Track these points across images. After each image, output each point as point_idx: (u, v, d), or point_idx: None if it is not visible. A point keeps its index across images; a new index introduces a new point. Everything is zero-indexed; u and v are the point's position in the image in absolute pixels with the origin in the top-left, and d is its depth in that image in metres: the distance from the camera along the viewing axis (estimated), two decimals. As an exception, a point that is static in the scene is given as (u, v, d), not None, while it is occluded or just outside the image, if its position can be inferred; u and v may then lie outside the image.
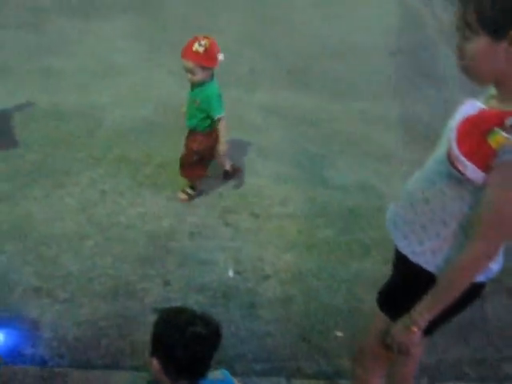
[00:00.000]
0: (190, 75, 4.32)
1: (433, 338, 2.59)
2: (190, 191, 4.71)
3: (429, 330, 2.39)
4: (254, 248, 4.29)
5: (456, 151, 2.13)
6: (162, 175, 4.91)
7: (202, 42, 4.19)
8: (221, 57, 4.28)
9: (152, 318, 2.42)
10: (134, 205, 4.59)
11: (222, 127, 4.40)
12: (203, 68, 4.25)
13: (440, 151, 2.29)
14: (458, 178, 2.17)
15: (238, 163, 5.09)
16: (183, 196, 4.69)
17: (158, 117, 5.69)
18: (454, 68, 2.16)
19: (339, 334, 3.69)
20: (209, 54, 4.22)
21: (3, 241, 4.19)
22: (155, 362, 2.34)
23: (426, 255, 2.37)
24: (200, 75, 4.28)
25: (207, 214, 4.57)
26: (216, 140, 4.45)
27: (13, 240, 4.19)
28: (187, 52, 4.23)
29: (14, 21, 7.46)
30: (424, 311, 2.29)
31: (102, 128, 5.44)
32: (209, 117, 4.41)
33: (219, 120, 4.38)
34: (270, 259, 4.20)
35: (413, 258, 2.39)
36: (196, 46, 4.18)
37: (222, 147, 4.46)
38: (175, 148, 4.88)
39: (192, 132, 4.55)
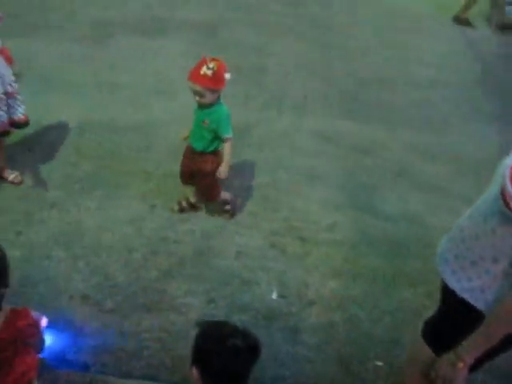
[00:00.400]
0: (198, 97, 4.25)
1: (477, 374, 2.57)
2: (227, 207, 4.75)
3: (474, 367, 2.38)
4: (299, 272, 4.30)
5: (510, 189, 2.12)
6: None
7: (211, 65, 4.12)
8: (228, 76, 4.22)
9: (194, 333, 2.46)
10: (183, 221, 4.64)
11: (228, 147, 4.35)
12: (212, 91, 4.19)
13: (493, 188, 2.28)
14: (510, 217, 2.16)
15: (289, 187, 5.13)
16: (227, 215, 4.75)
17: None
18: (509, 105, 2.16)
19: (379, 363, 3.68)
20: (217, 77, 4.15)
21: (53, 246, 4.30)
22: (194, 371, 2.40)
23: (475, 292, 2.35)
24: (209, 97, 4.22)
25: (255, 234, 4.60)
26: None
27: (62, 246, 4.30)
28: (195, 75, 4.16)
29: (79, 35, 7.64)
30: (471, 349, 2.28)
31: (156, 144, 5.52)
32: (217, 137, 4.35)
33: (227, 140, 4.34)
34: (315, 285, 4.20)
35: (461, 294, 2.39)
36: (204, 69, 4.11)
37: (224, 169, 4.36)
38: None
39: (201, 154, 4.43)
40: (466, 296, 2.36)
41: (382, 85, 7.02)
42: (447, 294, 2.48)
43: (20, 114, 4.65)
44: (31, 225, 4.47)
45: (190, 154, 4.49)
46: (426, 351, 2.59)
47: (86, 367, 3.44)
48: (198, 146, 4.41)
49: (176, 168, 4.62)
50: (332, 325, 3.90)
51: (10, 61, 4.61)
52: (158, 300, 3.95)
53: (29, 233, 4.39)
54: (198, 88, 4.16)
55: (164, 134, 5.65)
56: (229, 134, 4.34)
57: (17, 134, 5.13)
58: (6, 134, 4.71)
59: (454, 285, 2.42)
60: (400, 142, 5.91)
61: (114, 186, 4.94)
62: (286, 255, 4.44)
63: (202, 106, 4.31)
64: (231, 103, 6.21)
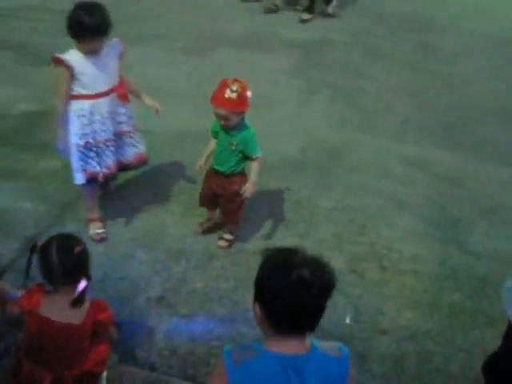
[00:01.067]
0: (223, 121, 4.14)
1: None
2: (229, 237, 4.59)
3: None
4: (375, 299, 4.25)
5: None
6: (297, 213, 4.98)
7: (234, 88, 4.01)
8: (249, 94, 4.11)
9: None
10: (264, 236, 4.69)
11: (256, 167, 4.26)
12: (238, 113, 4.10)
13: None
14: None
15: (376, 213, 5.09)
16: (224, 243, 4.57)
17: (303, 156, 5.78)
18: None
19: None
20: (242, 99, 4.05)
21: (136, 246, 4.46)
22: (257, 308, 2.20)
23: None
24: (234, 120, 4.11)
25: (336, 257, 4.56)
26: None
27: (145, 248, 4.44)
28: (219, 100, 4.05)
29: (182, 46, 7.85)
30: None
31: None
32: (245, 158, 4.28)
33: (256, 159, 4.26)
34: (390, 313, 4.14)
35: None
36: (228, 93, 3.99)
37: (251, 188, 4.26)
38: (311, 185, 5.05)
39: (228, 176, 4.33)
40: None
41: (484, 117, 6.85)
42: (510, 330, 2.42)
43: (130, 155, 4.53)
44: (117, 224, 4.61)
45: (214, 177, 4.40)
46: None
47: (152, 367, 3.52)
48: (225, 168, 4.31)
49: (263, 184, 4.62)
50: (402, 356, 3.82)
51: (124, 98, 4.43)
52: (232, 310, 3.99)
53: (115, 231, 4.54)
54: (224, 112, 4.07)
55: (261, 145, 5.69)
56: (258, 154, 4.26)
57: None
58: (112, 177, 4.58)
59: None
60: (495, 177, 5.75)
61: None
62: (365, 281, 4.39)
63: (226, 129, 4.21)
64: (326, 124, 6.30)
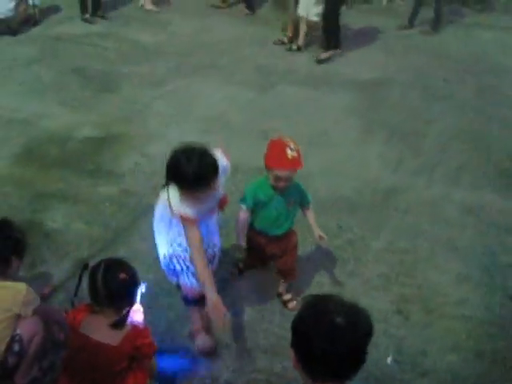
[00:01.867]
0: (283, 183, 3.93)
1: None
2: (290, 296, 4.50)
3: None
4: (418, 341, 4.29)
5: None
6: (347, 252, 5.05)
7: (292, 146, 3.85)
8: None
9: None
10: (312, 273, 4.80)
11: (312, 212, 4.27)
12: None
13: None
14: None
15: (426, 256, 5.12)
16: (293, 304, 4.44)
17: (358, 196, 5.85)
18: None
19: None
20: (300, 154, 3.91)
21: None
22: (292, 354, 2.17)
23: None
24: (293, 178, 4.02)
25: (382, 297, 4.64)
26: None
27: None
28: (285, 162, 3.84)
29: (244, 79, 8.09)
30: None
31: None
32: (301, 205, 4.25)
33: (310, 205, 4.27)
34: (433, 356, 4.18)
35: None
36: (290, 153, 3.81)
37: (323, 234, 4.24)
38: (364, 225, 5.17)
39: (285, 233, 4.23)
40: None
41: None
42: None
43: None
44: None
45: (269, 242, 4.22)
46: None
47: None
48: (285, 229, 4.21)
49: (320, 222, 4.64)
50: (442, 400, 3.86)
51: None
52: (275, 344, 4.09)
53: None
54: (289, 174, 3.92)
55: (312, 186, 5.77)
56: (310, 199, 4.29)
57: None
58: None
59: None
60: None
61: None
62: (410, 322, 4.44)
63: (283, 190, 4.02)
64: (383, 165, 6.36)
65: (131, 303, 3.10)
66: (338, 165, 6.28)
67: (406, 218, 5.61)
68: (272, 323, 4.26)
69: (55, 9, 10.09)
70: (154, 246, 4.78)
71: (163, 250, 3.86)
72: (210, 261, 3.85)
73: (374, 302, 4.53)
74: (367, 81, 8.39)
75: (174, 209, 3.53)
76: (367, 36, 10.03)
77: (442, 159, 6.57)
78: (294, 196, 4.13)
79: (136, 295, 3.14)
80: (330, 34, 8.92)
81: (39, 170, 5.81)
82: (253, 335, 4.15)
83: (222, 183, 3.72)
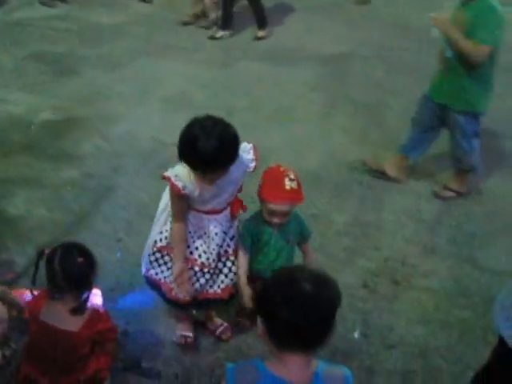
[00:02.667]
0: (278, 219, 3.46)
1: None
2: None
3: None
4: (386, 314, 4.24)
5: None
6: (311, 226, 4.95)
7: (292, 176, 3.39)
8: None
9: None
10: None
11: (312, 251, 3.84)
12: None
13: None
14: None
15: (393, 228, 5.06)
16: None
17: (322, 170, 5.78)
18: None
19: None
20: (300, 185, 3.44)
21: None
22: (259, 325, 2.14)
23: None
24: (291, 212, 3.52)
25: (348, 270, 4.59)
26: None
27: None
28: (282, 193, 3.35)
29: (206, 58, 7.98)
30: None
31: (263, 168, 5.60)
32: (301, 241, 3.74)
33: (310, 238, 3.80)
34: (400, 329, 4.13)
35: (510, 343, 2.31)
36: (288, 183, 3.35)
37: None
38: (329, 200, 5.12)
39: None
40: None
41: (506, 132, 6.72)
42: (499, 341, 2.41)
43: (220, 287, 3.57)
44: (131, 234, 4.67)
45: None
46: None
47: (158, 376, 3.55)
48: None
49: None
50: (409, 372, 3.82)
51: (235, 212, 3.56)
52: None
53: (128, 241, 4.59)
54: (287, 208, 3.43)
55: (275, 160, 5.71)
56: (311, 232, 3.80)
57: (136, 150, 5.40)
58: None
59: (504, 332, 2.34)
60: (512, 192, 5.69)
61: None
62: (376, 295, 4.39)
63: (281, 226, 3.55)
64: (347, 138, 6.29)
65: (90, 287, 3.01)
66: (301, 139, 6.20)
67: (372, 191, 5.55)
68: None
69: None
70: (117, 228, 4.76)
71: (152, 237, 3.58)
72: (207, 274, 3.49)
73: (340, 277, 4.43)
74: (329, 55, 8.28)
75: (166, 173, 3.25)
76: (327, 9, 9.90)
77: (407, 131, 6.49)
78: (293, 231, 3.63)
79: (95, 278, 3.04)
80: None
81: (0, 156, 5.68)
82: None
83: (240, 180, 3.42)
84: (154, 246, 3.53)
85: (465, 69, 4.81)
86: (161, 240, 3.52)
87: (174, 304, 3.61)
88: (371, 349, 3.96)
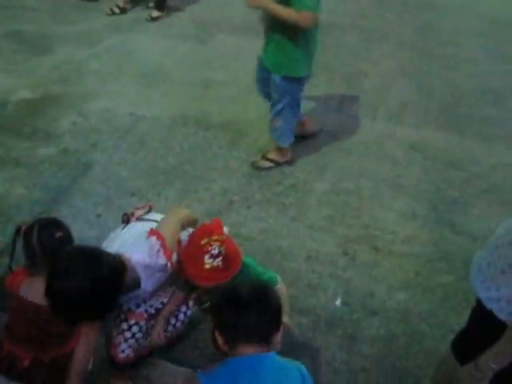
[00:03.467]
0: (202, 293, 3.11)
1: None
2: None
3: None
4: (367, 281, 4.25)
5: None
6: (290, 196, 4.99)
7: (216, 251, 2.73)
8: (227, 230, 2.97)
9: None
10: (257, 219, 4.71)
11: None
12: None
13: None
14: None
15: (371, 195, 5.08)
16: None
17: (299, 139, 5.68)
18: None
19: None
20: (230, 259, 2.78)
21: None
22: (218, 336, 2.32)
23: (501, 302, 2.30)
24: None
25: (327, 240, 4.58)
26: None
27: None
28: (200, 274, 2.76)
29: (182, 32, 7.88)
30: (490, 360, 2.22)
31: (243, 141, 5.61)
32: None
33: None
34: (381, 296, 4.15)
35: (487, 304, 2.32)
36: (209, 261, 2.72)
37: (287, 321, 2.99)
38: (306, 168, 5.15)
39: None
40: (492, 306, 2.30)
41: (485, 98, 6.76)
42: (476, 302, 2.43)
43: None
44: (110, 209, 4.65)
45: None
46: (452, 362, 2.54)
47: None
48: None
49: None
50: (392, 337, 3.84)
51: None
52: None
53: (107, 217, 4.57)
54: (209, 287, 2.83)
55: (253, 132, 5.72)
56: (278, 282, 3.10)
57: (111, 121, 5.36)
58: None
59: (482, 294, 2.36)
60: (494, 157, 5.69)
61: (197, 179, 5.08)
62: (357, 263, 4.40)
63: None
64: (325, 107, 6.28)
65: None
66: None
67: (350, 158, 5.54)
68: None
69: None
70: (97, 204, 4.74)
71: None
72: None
73: (320, 246, 4.49)
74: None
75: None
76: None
77: (384, 98, 6.51)
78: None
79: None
80: None
81: (-24, 136, 5.62)
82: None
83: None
84: None
85: (284, 35, 4.65)
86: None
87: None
88: (353, 316, 3.97)
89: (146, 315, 3.22)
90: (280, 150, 5.22)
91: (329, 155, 5.53)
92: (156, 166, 5.19)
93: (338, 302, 4.06)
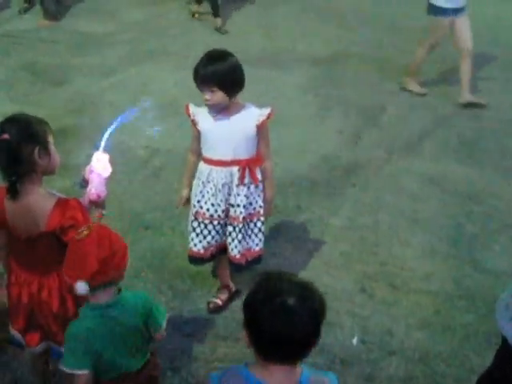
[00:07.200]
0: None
1: None
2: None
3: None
4: (385, 320, 4.14)
5: None
6: (307, 231, 4.91)
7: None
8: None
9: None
10: (272, 255, 4.60)
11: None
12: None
13: None
14: None
15: (389, 231, 4.98)
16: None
17: (316, 174, 5.70)
18: None
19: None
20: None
21: (145, 267, 4.45)
22: (245, 334, 2.12)
23: None
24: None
25: (344, 277, 4.49)
26: None
27: (152, 268, 4.44)
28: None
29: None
30: None
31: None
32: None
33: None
34: (400, 335, 4.03)
35: None
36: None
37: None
38: (323, 203, 5.05)
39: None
40: None
41: (506, 130, 6.66)
42: (502, 342, 2.33)
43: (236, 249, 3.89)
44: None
45: None
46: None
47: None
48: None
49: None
50: (411, 378, 3.71)
51: (242, 180, 3.69)
52: (235, 330, 3.91)
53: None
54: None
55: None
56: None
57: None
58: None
59: (508, 332, 2.26)
60: (512, 191, 5.59)
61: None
62: (375, 300, 4.29)
63: None
64: (341, 141, 6.21)
65: (23, 168, 2.76)
66: (294, 143, 6.11)
67: (366, 193, 5.46)
68: (231, 310, 4.10)
69: (1, 5, 9.77)
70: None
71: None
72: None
73: (337, 282, 4.39)
74: (321, 56, 8.24)
75: None
76: (315, 9, 9.86)
77: (401, 131, 6.44)
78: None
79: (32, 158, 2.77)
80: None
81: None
82: (212, 324, 4.00)
83: (250, 135, 3.70)
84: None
85: None
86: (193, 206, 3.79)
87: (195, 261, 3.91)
88: (371, 355, 3.85)
89: None
90: None
91: (345, 190, 5.46)
92: (171, 199, 5.11)
93: (354, 341, 3.95)
